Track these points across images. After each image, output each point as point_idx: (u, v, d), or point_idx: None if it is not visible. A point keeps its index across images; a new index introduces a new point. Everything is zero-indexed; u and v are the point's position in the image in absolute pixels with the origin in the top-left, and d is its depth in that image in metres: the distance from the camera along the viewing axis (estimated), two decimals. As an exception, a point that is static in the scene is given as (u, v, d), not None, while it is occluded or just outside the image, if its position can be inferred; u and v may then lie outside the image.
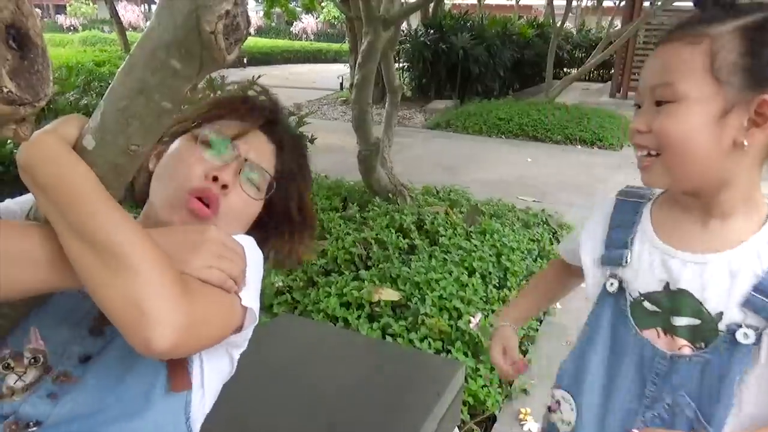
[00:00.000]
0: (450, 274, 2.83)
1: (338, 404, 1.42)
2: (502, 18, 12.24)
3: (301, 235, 1.04)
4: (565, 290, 1.19)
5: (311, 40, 28.54)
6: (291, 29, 30.38)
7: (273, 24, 31.49)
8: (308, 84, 14.35)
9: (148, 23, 0.72)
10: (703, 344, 0.80)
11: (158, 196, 0.88)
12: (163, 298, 0.67)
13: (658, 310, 0.83)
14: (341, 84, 12.38)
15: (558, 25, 9.99)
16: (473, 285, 2.79)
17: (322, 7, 22.58)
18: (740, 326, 0.76)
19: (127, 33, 15.13)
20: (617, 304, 0.88)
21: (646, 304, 0.85)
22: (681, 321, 0.81)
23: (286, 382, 1.51)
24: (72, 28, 27.09)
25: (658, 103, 0.77)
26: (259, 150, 0.93)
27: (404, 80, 11.50)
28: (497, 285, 2.97)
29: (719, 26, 0.72)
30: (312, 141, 4.94)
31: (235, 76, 5.00)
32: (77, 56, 11.88)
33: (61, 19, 30.34)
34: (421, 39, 10.15)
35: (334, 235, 3.18)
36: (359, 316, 2.51)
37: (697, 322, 0.80)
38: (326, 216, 3.43)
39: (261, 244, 0.96)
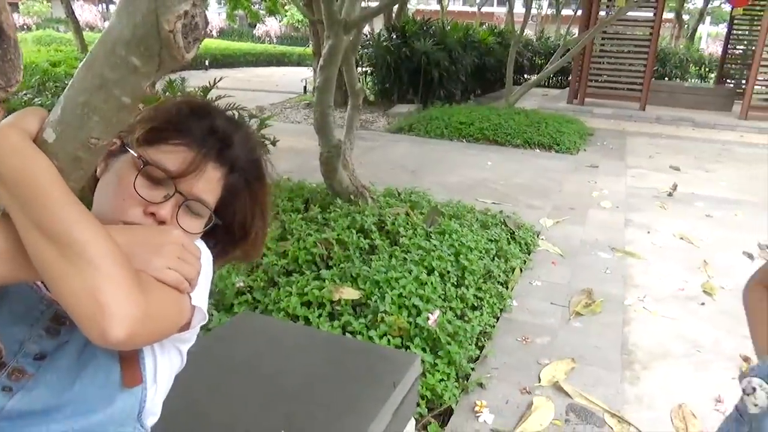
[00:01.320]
0: (409, 273, 2.89)
1: (296, 396, 1.45)
2: (464, 25, 12.45)
3: (243, 245, 1.07)
4: None
5: (275, 43, 28.36)
6: (254, 32, 30.14)
7: (236, 26, 31.16)
8: (272, 87, 14.28)
9: (109, 21, 0.75)
10: None
11: (97, 210, 0.88)
12: (120, 291, 0.70)
13: None
14: (305, 87, 12.39)
15: (518, 32, 10.22)
16: (432, 283, 2.86)
17: (286, 11, 22.47)
18: None
19: (84, 33, 14.73)
20: None
21: None
22: None
23: (246, 376, 1.54)
24: (25, 27, 26.25)
25: None
26: (205, 181, 0.91)
27: (368, 84, 11.58)
28: (455, 283, 3.05)
29: None
30: (274, 143, 4.94)
31: (197, 78, 4.97)
32: (31, 56, 11.53)
33: (14, 17, 29.39)
34: (384, 43, 10.26)
35: (296, 236, 3.20)
36: (320, 315, 2.55)
37: None
38: (288, 217, 3.45)
39: (210, 247, 1.00)
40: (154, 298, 0.77)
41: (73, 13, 13.27)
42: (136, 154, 0.87)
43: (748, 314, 1.25)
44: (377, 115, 9.89)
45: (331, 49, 3.26)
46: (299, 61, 21.29)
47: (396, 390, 1.51)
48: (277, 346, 1.69)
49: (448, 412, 2.29)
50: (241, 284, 2.71)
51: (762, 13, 10.61)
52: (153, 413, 0.96)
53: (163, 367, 0.94)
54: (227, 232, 1.05)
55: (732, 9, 11.16)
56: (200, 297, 0.90)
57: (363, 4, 3.38)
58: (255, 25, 28.22)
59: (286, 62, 22.06)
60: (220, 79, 4.85)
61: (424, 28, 10.63)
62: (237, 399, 1.44)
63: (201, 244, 0.97)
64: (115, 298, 0.69)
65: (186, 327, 0.90)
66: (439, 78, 10.12)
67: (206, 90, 4.71)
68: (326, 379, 1.54)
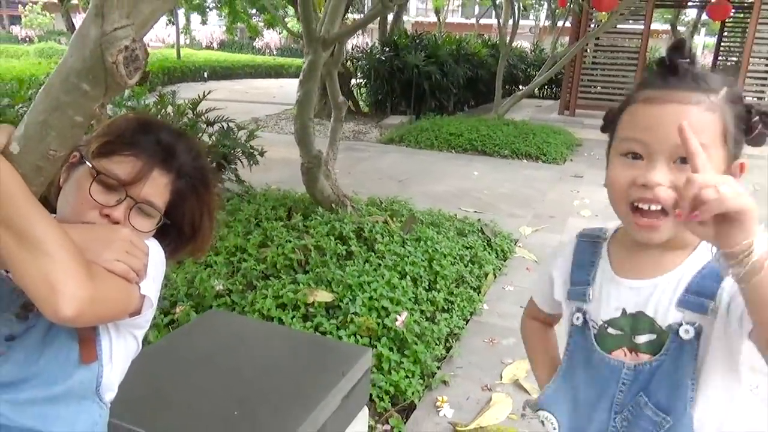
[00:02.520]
0: (382, 278, 3.04)
1: (250, 384, 1.60)
2: (457, 37, 12.68)
3: (193, 242, 1.22)
4: (554, 345, 1.27)
5: (275, 55, 28.69)
6: (254, 44, 30.49)
7: (236, 39, 31.56)
8: (268, 98, 14.48)
9: (64, 54, 0.91)
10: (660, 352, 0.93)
11: (61, 213, 1.05)
12: (70, 276, 0.86)
13: (621, 332, 0.97)
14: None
15: (507, 44, 10.41)
16: (403, 287, 3.01)
17: (286, 23, 22.80)
18: (681, 324, 0.89)
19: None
20: (584, 334, 1.02)
21: (610, 330, 0.98)
22: (641, 338, 0.94)
23: (207, 367, 1.68)
24: (27, 39, 26.58)
25: (683, 160, 0.83)
26: (153, 185, 1.07)
27: (362, 96, 11.79)
28: (427, 287, 3.19)
29: (714, 96, 0.84)
30: (261, 154, 5.13)
31: (194, 90, 5.14)
32: (32, 69, 11.77)
33: (16, 30, 29.74)
34: (377, 56, 10.46)
35: (276, 243, 3.36)
36: (293, 317, 2.69)
37: (654, 336, 0.93)
38: (269, 225, 3.60)
39: (163, 245, 1.16)
40: (102, 285, 0.93)
41: (73, 25, 13.53)
42: (90, 165, 1.04)
43: (525, 347, 1.31)
44: (370, 126, 10.07)
45: (310, 64, 3.43)
46: (297, 73, 21.52)
47: (344, 378, 1.65)
48: (239, 341, 1.83)
49: (412, 408, 2.42)
50: (221, 287, 2.86)
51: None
52: (110, 389, 1.10)
53: (119, 349, 1.09)
54: (179, 232, 1.21)
55: (714, 20, 11.34)
56: (149, 287, 1.05)
57: (341, 21, 3.55)
58: (255, 38, 28.58)
59: (285, 74, 22.32)
60: (210, 92, 5.04)
61: (416, 41, 10.84)
62: (196, 386, 1.58)
63: (153, 243, 1.12)
64: (66, 282, 0.85)
65: (137, 313, 1.05)
66: (430, 90, 10.32)
67: (195, 103, 4.89)
68: (280, 369, 1.68)
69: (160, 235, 1.17)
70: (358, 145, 8.64)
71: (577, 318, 1.03)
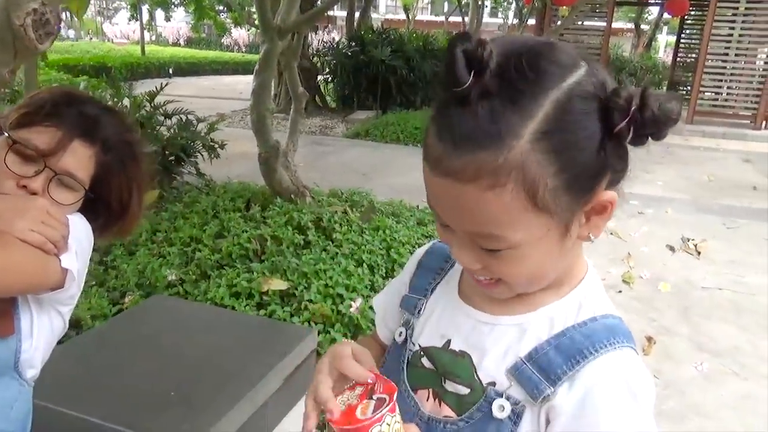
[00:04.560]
0: (339, 265, 3.04)
1: (190, 365, 1.59)
2: (423, 33, 12.72)
3: (122, 220, 1.20)
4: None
5: (243, 52, 28.36)
6: (222, 41, 30.10)
7: (204, 36, 31.10)
8: (235, 94, 14.31)
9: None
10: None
11: None
12: None
13: (433, 368, 0.74)
14: (267, 95, 12.45)
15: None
16: (359, 275, 3.01)
17: (253, 20, 22.60)
18: (501, 396, 0.66)
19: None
20: (399, 355, 0.79)
21: (424, 360, 0.75)
22: (451, 386, 0.71)
23: (147, 349, 1.66)
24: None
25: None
26: (74, 157, 1.04)
27: (328, 92, 11.75)
28: (384, 275, 3.21)
29: (513, 144, 0.55)
30: (222, 147, 5.07)
31: (154, 85, 5.08)
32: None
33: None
34: (343, 51, 10.44)
35: (233, 233, 3.33)
36: (247, 305, 2.68)
37: (467, 391, 0.70)
38: (227, 216, 3.58)
39: (91, 220, 1.14)
40: (13, 254, 0.91)
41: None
42: (7, 135, 1.01)
43: None
44: (337, 121, 10.05)
45: (266, 54, 3.41)
46: (266, 70, 21.33)
47: (287, 358, 1.65)
48: (183, 324, 1.82)
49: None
50: (173, 277, 2.83)
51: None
52: (32, 366, 1.08)
53: (42, 326, 1.07)
54: (107, 209, 1.19)
55: (672, 16, 11.62)
56: (71, 261, 1.03)
57: (297, 10, 3.53)
58: (223, 35, 28.24)
59: (253, 71, 22.08)
60: (167, 83, 4.97)
61: (383, 36, 10.84)
62: (135, 369, 1.56)
63: (78, 217, 1.11)
64: None
65: (59, 287, 1.03)
66: (396, 85, 10.34)
67: (153, 95, 4.81)
68: (223, 351, 1.67)
69: (90, 212, 1.15)
70: (324, 140, 8.62)
71: (400, 333, 0.80)
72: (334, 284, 2.86)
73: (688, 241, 4.58)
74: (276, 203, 3.83)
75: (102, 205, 1.17)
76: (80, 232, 1.08)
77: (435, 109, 0.61)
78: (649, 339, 2.99)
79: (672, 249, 4.45)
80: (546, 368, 0.64)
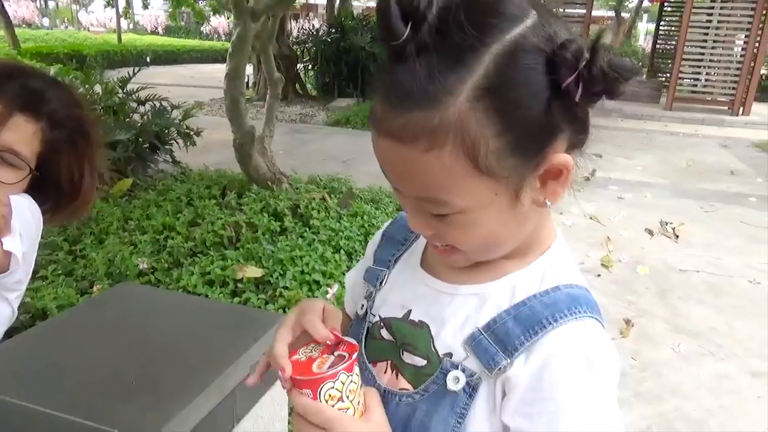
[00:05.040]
0: (315, 252, 2.99)
1: (156, 352, 1.53)
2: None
3: (74, 201, 1.14)
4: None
5: (223, 40, 27.99)
6: (202, 29, 29.67)
7: (183, 24, 30.62)
8: (214, 83, 14.04)
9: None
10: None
11: None
12: None
13: (392, 340, 0.71)
14: (246, 83, 12.29)
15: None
16: (336, 261, 2.97)
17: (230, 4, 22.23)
18: (456, 367, 0.63)
19: (22, 29, 14.19)
20: (360, 328, 0.76)
21: (384, 332, 0.72)
22: (409, 358, 0.68)
23: (112, 336, 1.60)
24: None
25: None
26: (16, 132, 0.98)
27: (308, 80, 11.62)
28: (362, 261, 3.17)
29: (449, 102, 0.51)
30: (198, 134, 4.98)
31: (138, 75, 4.97)
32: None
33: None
34: (323, 39, 10.32)
35: (207, 221, 3.26)
36: (221, 293, 2.62)
37: (423, 363, 0.66)
38: (202, 203, 3.50)
39: (40, 202, 1.08)
40: None
41: (2, 7, 12.82)
42: None
43: None
44: (317, 109, 9.95)
45: (239, 37, 3.33)
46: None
47: (257, 344, 1.60)
48: (149, 311, 1.76)
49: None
50: (144, 266, 2.76)
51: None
52: None
53: None
54: (57, 189, 1.13)
55: (651, 3, 11.66)
56: (14, 244, 0.97)
57: (312, 1, 3.45)
58: (202, 23, 27.83)
59: (233, 59, 21.78)
60: (139, 70, 4.85)
61: (363, 23, 10.74)
62: (98, 358, 1.50)
63: (24, 197, 1.04)
64: None
65: (3, 271, 0.97)
66: (377, 72, 10.25)
67: (125, 81, 4.70)
68: (191, 338, 1.62)
69: (39, 193, 1.09)
70: (304, 128, 8.53)
71: (362, 306, 0.77)
72: (311, 270, 2.82)
73: (667, 224, 4.60)
74: (252, 190, 3.76)
75: (52, 186, 1.11)
76: (26, 213, 1.02)
77: (381, 66, 0.57)
78: (628, 321, 2.99)
79: (650, 233, 4.47)
80: (503, 339, 0.61)
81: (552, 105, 0.53)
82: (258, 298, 2.59)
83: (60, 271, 2.67)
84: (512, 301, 0.63)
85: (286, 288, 2.66)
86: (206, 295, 2.59)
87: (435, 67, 0.51)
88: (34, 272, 2.67)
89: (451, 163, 0.53)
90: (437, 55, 0.51)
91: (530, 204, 0.59)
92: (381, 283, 0.76)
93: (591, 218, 4.71)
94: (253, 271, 2.78)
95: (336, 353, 0.63)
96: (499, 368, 0.60)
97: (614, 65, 0.50)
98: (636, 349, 2.80)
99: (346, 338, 0.65)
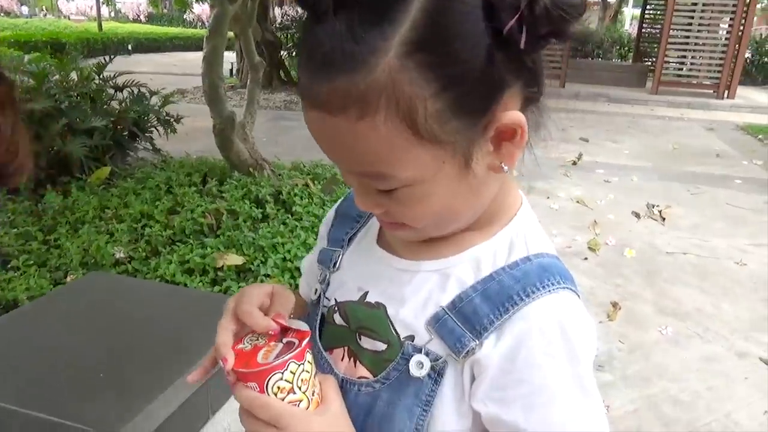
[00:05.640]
0: (298, 238, 2.92)
1: (125, 340, 1.47)
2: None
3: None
4: None
5: (206, 28, 27.62)
6: (185, 17, 29.24)
7: (165, 11, 30.15)
8: (197, 71, 13.87)
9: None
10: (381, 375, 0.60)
11: None
12: None
13: (345, 325, 0.65)
14: (231, 70, 12.15)
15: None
16: (319, 247, 2.90)
17: (215, -6, 21.88)
18: (420, 351, 0.57)
19: (0, 17, 13.88)
20: (314, 314, 0.69)
21: (336, 316, 0.66)
22: (368, 343, 0.62)
23: (79, 328, 1.54)
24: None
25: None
26: None
27: (293, 66, 11.48)
28: (346, 248, 3.11)
29: (376, 62, 0.45)
30: (178, 120, 4.88)
31: (118, 63, 4.83)
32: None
33: None
34: (307, 24, 10.18)
35: (187, 208, 3.18)
36: (201, 282, 2.55)
37: (383, 347, 0.60)
38: (182, 191, 3.41)
39: None
40: None
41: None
42: None
43: None
44: (302, 97, 9.84)
45: (216, 18, 3.23)
46: (230, 45, 20.86)
47: (232, 333, 1.53)
48: (121, 301, 1.69)
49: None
50: (121, 255, 2.68)
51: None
52: None
53: None
54: None
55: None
56: None
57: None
58: (185, 10, 27.41)
59: (217, 47, 21.50)
60: (114, 56, 4.73)
61: (348, 8, 10.61)
62: (62, 349, 1.44)
63: None
64: None
65: None
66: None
67: (101, 66, 4.58)
68: (162, 327, 1.56)
69: None
70: (289, 115, 8.42)
71: (315, 291, 0.71)
72: (293, 257, 2.75)
73: (653, 207, 4.59)
74: (234, 177, 3.68)
75: None
76: None
77: (302, 27, 0.50)
78: (615, 304, 2.96)
79: (637, 216, 4.45)
80: (471, 318, 0.55)
81: (494, 55, 0.46)
82: (239, 287, 2.52)
83: (32, 262, 2.58)
84: (478, 276, 0.57)
85: (267, 276, 2.60)
86: (185, 284, 2.52)
87: (357, 24, 0.45)
88: (5, 263, 2.59)
89: (387, 131, 0.47)
90: (359, 10, 0.45)
91: (485, 171, 0.53)
92: (335, 264, 0.70)
93: (578, 202, 4.68)
94: (233, 259, 2.71)
95: (285, 340, 0.57)
96: (467, 350, 0.54)
97: (559, 2, 0.44)
98: (623, 332, 2.77)
99: (294, 324, 0.59)
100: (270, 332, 0.57)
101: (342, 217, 0.73)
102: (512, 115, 0.50)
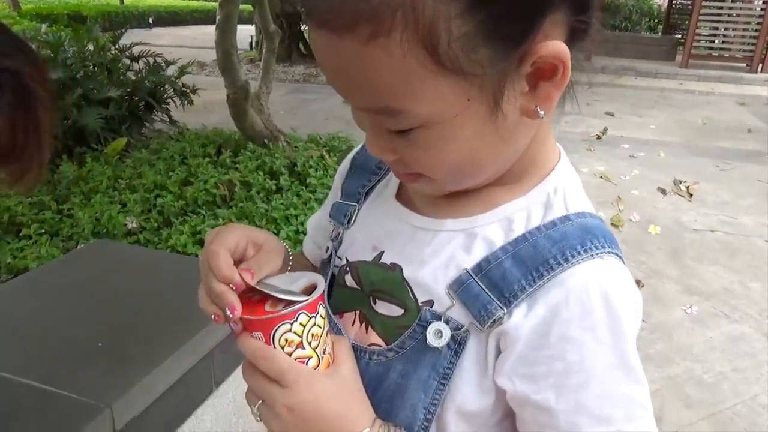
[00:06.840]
0: (311, 210, 2.87)
1: (127, 311, 1.43)
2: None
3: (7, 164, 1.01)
4: None
5: (227, 1, 27.47)
6: (206, -10, 29.10)
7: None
8: (217, 44, 13.89)
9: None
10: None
11: None
12: None
13: (357, 287, 0.59)
14: (250, 43, 12.05)
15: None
16: (333, 220, 2.85)
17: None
18: (439, 318, 0.50)
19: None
20: (325, 275, 0.62)
21: (348, 278, 0.60)
22: (383, 307, 0.56)
23: (82, 296, 1.50)
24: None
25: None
26: None
27: (313, 38, 11.33)
28: (360, 220, 3.05)
29: None
30: (194, 92, 4.83)
31: (138, 35, 4.78)
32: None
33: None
34: (327, -5, 10.00)
35: (201, 179, 3.14)
36: (213, 252, 2.51)
37: (400, 312, 0.54)
38: (195, 162, 3.37)
39: None
40: None
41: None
42: None
43: None
44: (320, 69, 9.73)
45: (229, -17, 3.14)
46: (250, 18, 20.73)
47: (237, 304, 1.49)
48: (125, 269, 1.66)
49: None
50: (133, 225, 2.65)
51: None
52: None
53: None
54: None
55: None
56: None
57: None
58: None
59: (239, 20, 21.41)
60: (129, 28, 4.67)
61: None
62: (62, 317, 1.41)
63: None
64: None
65: None
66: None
67: (116, 36, 4.54)
68: (166, 296, 1.52)
69: None
70: (308, 87, 8.33)
71: (327, 248, 0.64)
72: (306, 230, 2.69)
73: (680, 183, 4.43)
74: (248, 148, 3.63)
75: None
76: None
77: None
78: (638, 282, 2.86)
79: (663, 192, 4.30)
80: (499, 283, 0.48)
81: None
82: (250, 258, 2.48)
83: (44, 231, 2.57)
84: (509, 237, 0.50)
85: (279, 247, 2.55)
86: (196, 255, 2.48)
87: None
88: (17, 231, 2.57)
89: (402, 56, 0.39)
90: None
91: (517, 115, 0.44)
92: (349, 220, 0.63)
93: (601, 177, 4.54)
94: (245, 231, 2.66)
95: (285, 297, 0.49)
96: (494, 320, 0.47)
97: None
98: (646, 310, 2.67)
99: (305, 276, 0.52)
100: (230, 287, 0.49)
101: (358, 169, 0.66)
102: (554, 46, 0.41)
